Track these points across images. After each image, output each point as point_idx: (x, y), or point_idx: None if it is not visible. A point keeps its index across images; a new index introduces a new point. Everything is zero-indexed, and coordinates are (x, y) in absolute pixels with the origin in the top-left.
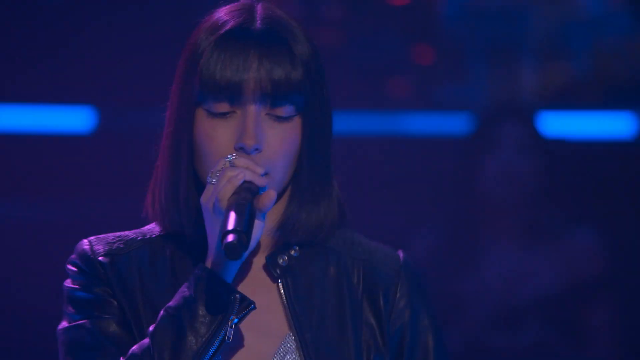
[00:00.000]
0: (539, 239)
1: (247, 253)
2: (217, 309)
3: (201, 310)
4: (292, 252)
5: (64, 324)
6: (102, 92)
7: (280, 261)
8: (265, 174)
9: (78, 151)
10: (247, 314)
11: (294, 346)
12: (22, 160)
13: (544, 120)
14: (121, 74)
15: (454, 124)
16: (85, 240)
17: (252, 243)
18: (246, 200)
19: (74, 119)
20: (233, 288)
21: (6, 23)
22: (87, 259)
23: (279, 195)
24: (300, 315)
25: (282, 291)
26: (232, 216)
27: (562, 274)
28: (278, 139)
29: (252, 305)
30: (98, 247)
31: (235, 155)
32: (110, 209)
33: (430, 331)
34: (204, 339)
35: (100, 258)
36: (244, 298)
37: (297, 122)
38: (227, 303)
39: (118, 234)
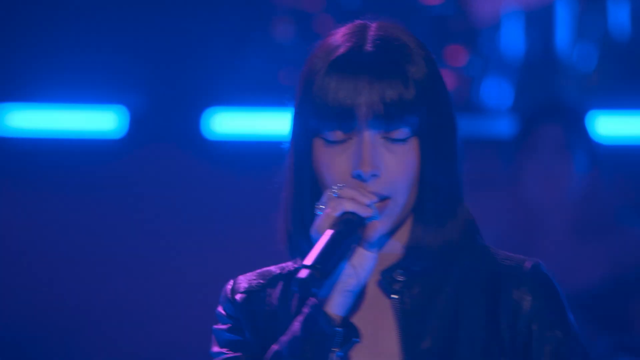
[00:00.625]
0: (587, 236)
1: (360, 284)
2: (320, 343)
3: (303, 345)
4: (413, 267)
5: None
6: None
7: (398, 277)
8: (385, 198)
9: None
10: (350, 347)
11: None
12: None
13: (594, 120)
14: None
15: (495, 125)
16: (231, 280)
17: (363, 274)
18: (342, 233)
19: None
20: (335, 321)
21: (37, 24)
22: (227, 300)
23: (403, 220)
24: (413, 334)
25: (395, 307)
26: (314, 250)
27: (610, 272)
28: (396, 162)
29: (356, 339)
30: (237, 287)
31: (341, 186)
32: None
33: (564, 343)
34: None
35: (237, 296)
36: (348, 332)
37: (414, 143)
38: (331, 337)
39: (267, 268)
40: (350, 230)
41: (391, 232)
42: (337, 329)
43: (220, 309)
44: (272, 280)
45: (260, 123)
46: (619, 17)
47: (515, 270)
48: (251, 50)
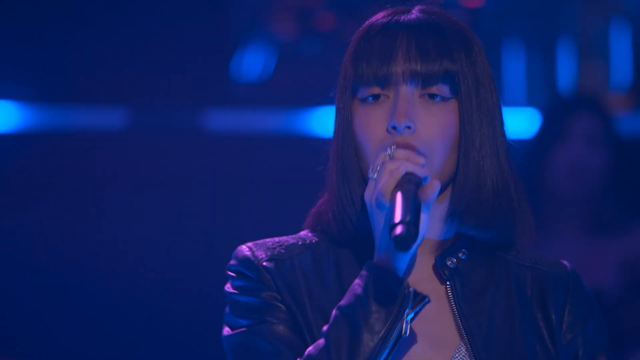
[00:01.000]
0: (602, 233)
1: (416, 245)
2: (390, 304)
3: (374, 307)
4: (460, 255)
5: (228, 330)
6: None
7: (449, 263)
8: (429, 152)
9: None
10: (421, 308)
11: (466, 356)
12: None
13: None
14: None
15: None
16: (244, 247)
17: (419, 236)
18: (410, 191)
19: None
20: (405, 282)
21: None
22: (251, 264)
23: (442, 188)
24: (470, 320)
25: (450, 294)
26: (399, 208)
27: (623, 271)
28: (433, 119)
29: (427, 299)
30: (259, 253)
31: (394, 148)
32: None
33: (604, 351)
34: (379, 335)
35: (264, 263)
36: (417, 292)
37: (453, 105)
38: (401, 297)
39: (277, 239)
40: (415, 189)
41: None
42: (410, 289)
43: (238, 274)
44: (297, 249)
45: (257, 121)
46: None
47: (556, 268)
48: (251, 46)
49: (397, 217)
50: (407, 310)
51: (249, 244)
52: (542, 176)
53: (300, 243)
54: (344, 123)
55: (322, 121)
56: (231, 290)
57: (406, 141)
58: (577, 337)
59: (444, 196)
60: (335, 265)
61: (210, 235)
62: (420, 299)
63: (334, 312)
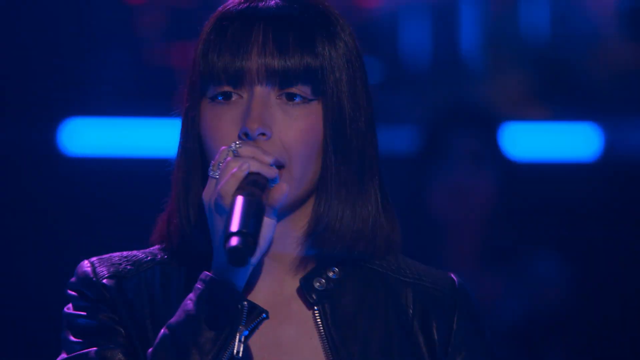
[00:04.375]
0: (495, 264)
1: (255, 258)
2: (223, 321)
3: (205, 324)
4: (331, 274)
5: (63, 355)
6: None
7: (317, 284)
8: (280, 166)
9: None
10: (258, 324)
11: None
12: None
13: (504, 132)
14: None
15: (398, 137)
16: (86, 262)
17: (262, 244)
18: (253, 195)
19: None
20: (240, 296)
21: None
22: (89, 282)
23: (305, 197)
24: (341, 350)
25: (318, 320)
26: (237, 215)
27: (519, 305)
28: (291, 124)
29: (264, 315)
30: (101, 269)
31: (239, 143)
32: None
33: None
34: (209, 357)
35: (104, 281)
36: (253, 306)
37: (316, 107)
38: (233, 313)
39: (125, 253)
40: (260, 193)
41: (288, 211)
42: (242, 303)
43: (76, 292)
44: (145, 265)
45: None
46: (534, 18)
47: (442, 282)
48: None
49: (234, 226)
50: (239, 328)
51: (93, 258)
52: (426, 201)
53: (149, 258)
54: (189, 125)
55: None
56: (70, 311)
57: (259, 148)
58: (463, 358)
59: (306, 210)
60: (186, 281)
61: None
62: (257, 314)
63: (162, 330)
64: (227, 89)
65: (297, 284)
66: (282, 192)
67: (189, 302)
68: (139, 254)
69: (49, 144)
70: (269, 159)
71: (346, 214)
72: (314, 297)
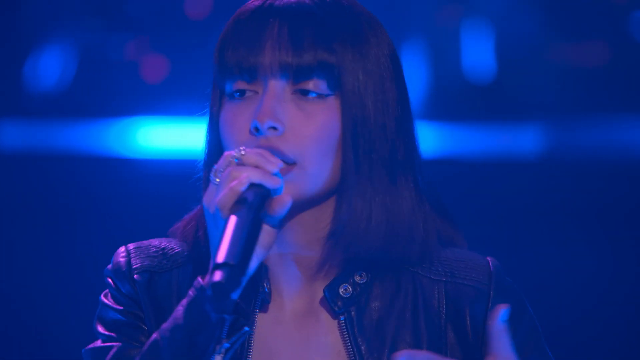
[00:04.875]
0: None
1: (245, 279)
2: (204, 333)
3: (189, 334)
4: (358, 279)
5: (94, 343)
6: None
7: (342, 291)
8: (293, 162)
9: None
10: (241, 338)
11: None
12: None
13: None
14: None
15: None
16: (123, 250)
17: (263, 253)
18: (248, 215)
19: None
20: (223, 307)
21: None
22: (122, 275)
23: (325, 196)
24: (369, 358)
25: (344, 329)
26: (225, 242)
27: None
28: (306, 119)
29: (246, 329)
30: (136, 261)
31: (243, 150)
32: None
33: (535, 350)
34: None
35: (135, 276)
36: (236, 320)
37: (332, 103)
38: (216, 326)
39: (165, 243)
40: (258, 211)
41: (307, 210)
42: (225, 315)
43: (111, 282)
44: (180, 260)
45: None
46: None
47: (476, 271)
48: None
49: (220, 256)
50: (221, 340)
51: (131, 246)
52: None
53: (186, 253)
54: (211, 124)
55: (137, 135)
56: (103, 300)
57: (271, 145)
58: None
59: (328, 210)
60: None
61: None
62: (238, 328)
63: (153, 335)
64: (241, 84)
65: (321, 291)
66: (283, 204)
67: (180, 308)
68: (176, 247)
69: None
70: (273, 168)
71: (374, 215)
72: (340, 304)
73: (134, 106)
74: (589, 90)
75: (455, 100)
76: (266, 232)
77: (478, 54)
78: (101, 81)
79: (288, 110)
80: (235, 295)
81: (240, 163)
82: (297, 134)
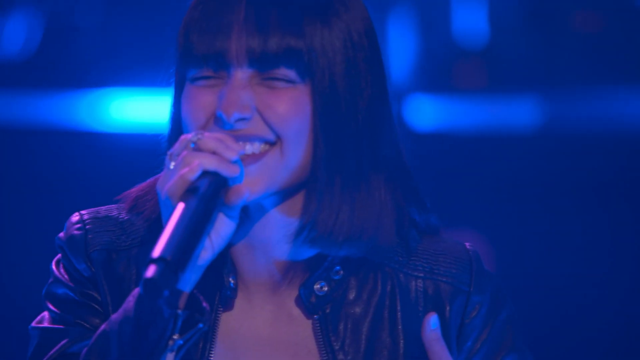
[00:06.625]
0: None
1: (205, 260)
2: (155, 328)
3: (135, 330)
4: (334, 275)
5: (43, 320)
6: None
7: (317, 289)
8: (273, 142)
9: None
10: (194, 335)
11: None
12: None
13: (415, 105)
14: None
15: None
16: (78, 220)
17: (219, 244)
18: (197, 206)
19: None
20: (175, 300)
21: None
22: (76, 250)
23: (295, 187)
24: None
25: (319, 329)
26: (166, 233)
27: None
28: (276, 99)
29: (200, 325)
30: (92, 236)
31: (201, 134)
32: None
33: (512, 349)
34: None
35: (93, 253)
36: (191, 315)
37: (303, 90)
38: (167, 321)
39: (123, 216)
40: (210, 201)
41: (279, 201)
42: (178, 311)
43: (65, 254)
44: (139, 239)
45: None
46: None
47: (456, 264)
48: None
49: (156, 250)
50: (173, 337)
51: (86, 216)
52: None
53: (145, 231)
54: (174, 105)
55: (100, 108)
56: (55, 271)
57: (243, 134)
58: (479, 339)
59: (295, 206)
60: None
61: None
62: (193, 324)
63: (102, 325)
64: (206, 72)
65: (295, 290)
66: (240, 194)
67: (131, 299)
68: (135, 221)
69: None
70: (231, 155)
71: (343, 209)
72: (314, 301)
73: (106, 78)
74: (588, 58)
75: (447, 70)
76: (223, 223)
77: (470, 20)
78: (69, 50)
79: (255, 93)
80: (185, 288)
81: (197, 148)
82: (269, 114)
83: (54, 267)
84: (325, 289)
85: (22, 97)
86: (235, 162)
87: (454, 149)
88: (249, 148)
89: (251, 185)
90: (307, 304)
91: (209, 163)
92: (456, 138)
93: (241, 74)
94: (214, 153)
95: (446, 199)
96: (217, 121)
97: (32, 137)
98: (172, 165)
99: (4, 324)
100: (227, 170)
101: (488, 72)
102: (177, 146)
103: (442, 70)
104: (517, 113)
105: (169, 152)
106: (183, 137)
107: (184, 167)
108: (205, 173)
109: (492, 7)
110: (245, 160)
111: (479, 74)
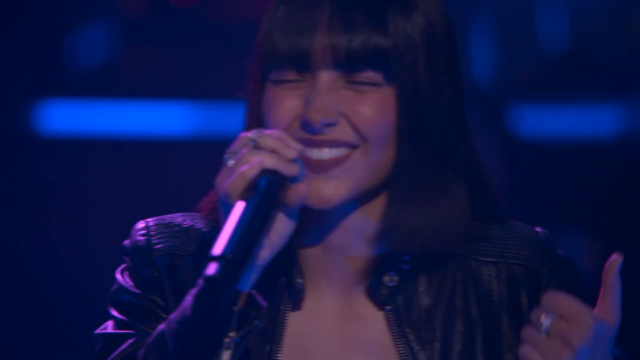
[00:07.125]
0: None
1: (264, 260)
2: (212, 326)
3: (192, 328)
4: (402, 265)
5: (107, 327)
6: None
7: (388, 280)
8: (356, 146)
9: None
10: (250, 332)
11: None
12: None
13: (514, 114)
14: None
15: None
16: (142, 227)
17: (278, 243)
18: (257, 204)
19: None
20: (233, 298)
21: None
22: (142, 256)
23: (377, 189)
24: (420, 355)
25: (392, 321)
26: (227, 231)
27: None
28: (361, 107)
29: (257, 322)
30: (157, 241)
31: (261, 132)
32: None
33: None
34: None
35: (157, 258)
36: (246, 312)
37: (388, 92)
38: (225, 319)
39: (188, 222)
40: (269, 199)
41: (358, 202)
42: (234, 308)
43: (129, 261)
44: (203, 243)
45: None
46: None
47: (527, 247)
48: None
49: (218, 247)
50: (229, 334)
51: (152, 222)
52: None
53: (210, 235)
54: (253, 107)
55: (179, 117)
56: (119, 279)
57: (330, 139)
58: None
59: (377, 206)
60: None
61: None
62: (249, 321)
63: (160, 325)
64: (290, 75)
65: (365, 283)
66: (298, 193)
67: (189, 298)
68: (200, 226)
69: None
70: (291, 154)
71: (424, 213)
72: (385, 293)
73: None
74: None
75: (529, 79)
76: (282, 222)
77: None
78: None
79: (341, 98)
80: (244, 288)
81: (257, 146)
82: (354, 118)
83: (118, 275)
84: (396, 279)
85: (102, 106)
86: (294, 161)
87: (535, 157)
88: (329, 153)
89: (338, 188)
90: (379, 297)
91: (269, 161)
92: (538, 146)
93: (327, 76)
94: (273, 151)
95: (532, 206)
96: (304, 126)
97: (110, 147)
98: (231, 162)
99: (70, 331)
100: (287, 169)
101: (572, 80)
102: (236, 144)
103: (526, 79)
104: (600, 121)
105: (228, 150)
106: (243, 134)
107: (243, 165)
108: (265, 171)
109: (574, 14)
110: (328, 163)
111: (563, 82)
